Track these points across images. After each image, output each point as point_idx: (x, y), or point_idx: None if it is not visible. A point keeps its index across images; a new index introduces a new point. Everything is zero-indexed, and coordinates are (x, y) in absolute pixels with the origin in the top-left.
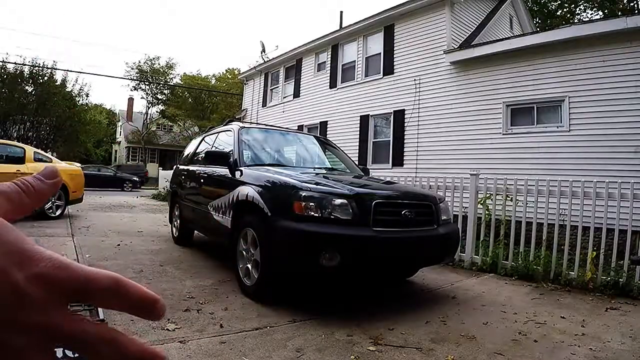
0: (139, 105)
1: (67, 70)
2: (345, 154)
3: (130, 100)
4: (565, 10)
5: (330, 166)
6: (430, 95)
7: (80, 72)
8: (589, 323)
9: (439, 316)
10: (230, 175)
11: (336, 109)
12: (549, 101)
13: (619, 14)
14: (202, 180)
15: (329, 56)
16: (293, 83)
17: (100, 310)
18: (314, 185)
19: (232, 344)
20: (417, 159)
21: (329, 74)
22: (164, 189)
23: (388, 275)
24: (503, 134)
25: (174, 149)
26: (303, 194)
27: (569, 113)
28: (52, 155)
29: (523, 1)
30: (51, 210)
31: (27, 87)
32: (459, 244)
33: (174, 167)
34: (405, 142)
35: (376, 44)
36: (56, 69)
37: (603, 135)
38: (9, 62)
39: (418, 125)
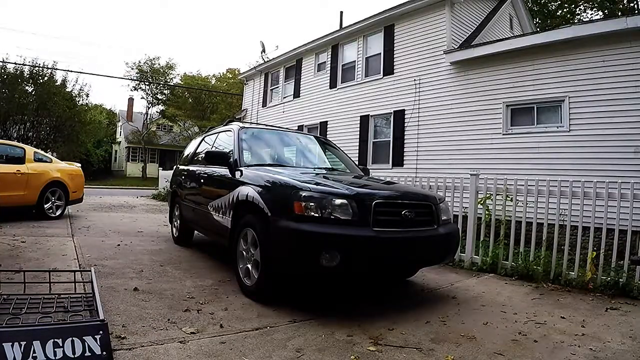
0: (139, 106)
1: (67, 71)
2: (345, 154)
3: (130, 100)
4: (565, 10)
5: (330, 166)
6: (431, 96)
7: (80, 72)
8: (589, 323)
9: (439, 316)
10: (230, 176)
11: (336, 109)
12: (549, 101)
13: (619, 14)
14: (202, 181)
15: (329, 56)
16: (293, 83)
17: (100, 310)
18: (314, 185)
19: (232, 344)
20: (417, 159)
21: (329, 74)
22: (164, 189)
23: (388, 275)
24: (503, 134)
25: (174, 149)
26: (303, 194)
27: (569, 113)
28: (52, 155)
29: (523, 1)
30: (51, 211)
31: (27, 87)
32: (459, 244)
33: (174, 167)
34: (405, 142)
35: (376, 44)
36: (56, 69)
37: (603, 135)
38: (9, 62)
39: (418, 125)
